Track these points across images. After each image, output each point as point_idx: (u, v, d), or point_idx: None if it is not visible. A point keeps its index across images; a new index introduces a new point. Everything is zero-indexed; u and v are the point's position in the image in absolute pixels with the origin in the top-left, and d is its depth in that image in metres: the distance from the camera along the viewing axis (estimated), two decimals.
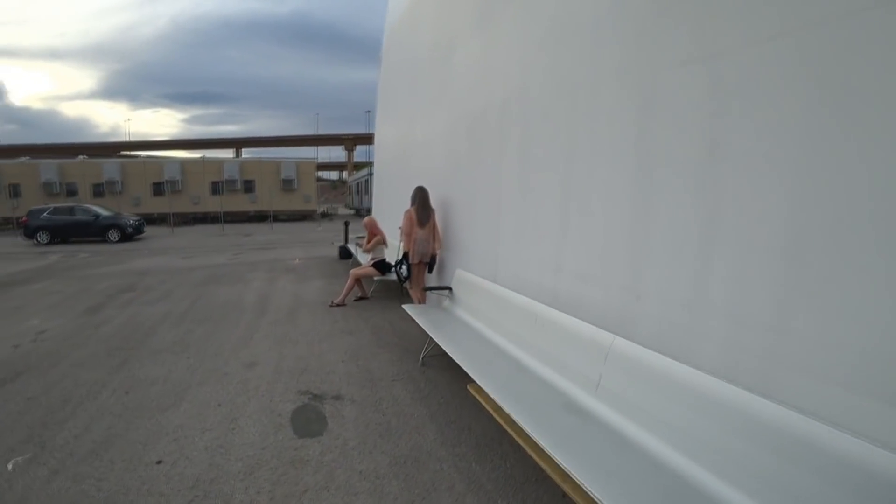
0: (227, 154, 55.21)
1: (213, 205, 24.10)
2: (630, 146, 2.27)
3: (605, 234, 2.43)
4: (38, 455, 2.82)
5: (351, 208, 36.12)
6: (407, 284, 5.50)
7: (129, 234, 16.60)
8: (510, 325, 3.12)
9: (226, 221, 24.62)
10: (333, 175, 75.15)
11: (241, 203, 25.92)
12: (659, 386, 1.90)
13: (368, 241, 6.18)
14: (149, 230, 20.47)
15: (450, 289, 4.40)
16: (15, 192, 23.37)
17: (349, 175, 48.40)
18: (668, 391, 1.86)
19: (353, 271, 6.06)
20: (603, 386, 2.12)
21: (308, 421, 3.02)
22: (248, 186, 26.22)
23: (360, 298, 6.28)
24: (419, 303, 5.34)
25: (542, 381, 2.47)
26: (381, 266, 6.05)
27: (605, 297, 2.38)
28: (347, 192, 43.22)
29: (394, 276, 5.86)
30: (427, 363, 3.89)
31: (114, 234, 16.27)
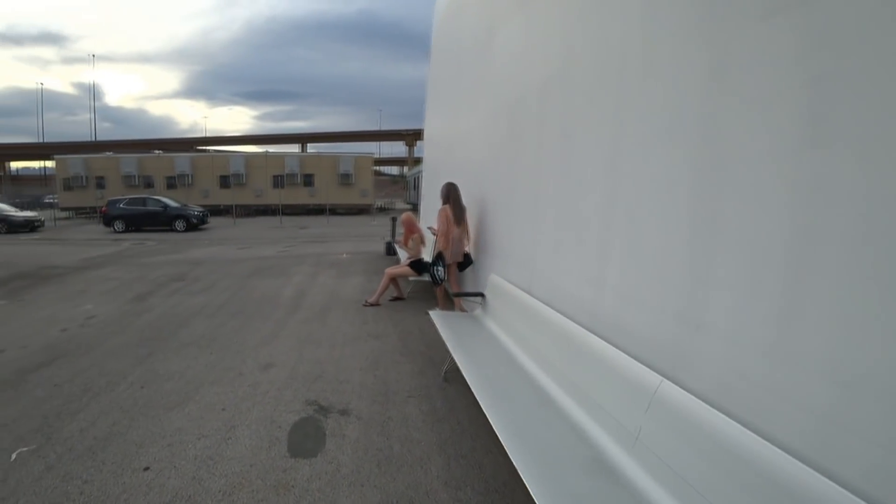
0: (294, 149, 57.80)
1: (275, 198, 25.20)
2: (694, 132, 1.78)
3: (658, 244, 1.95)
4: (41, 447, 2.81)
5: (408, 203, 36.50)
6: (440, 287, 5.19)
7: (194, 224, 17.68)
8: (541, 346, 2.70)
9: (285, 214, 25.69)
10: (394, 170, 76.62)
11: (300, 196, 26.93)
12: (719, 458, 1.42)
13: (405, 239, 5.94)
14: (213, 221, 21.77)
15: (482, 295, 4.02)
16: (100, 183, 25.80)
17: (408, 170, 49.02)
18: (732, 469, 1.37)
19: (389, 270, 5.84)
20: (642, 441, 1.67)
21: (305, 437, 2.78)
22: (308, 180, 27.19)
23: (396, 299, 6.05)
24: (453, 308, 5.01)
25: (567, 422, 2.04)
26: (418, 266, 5.77)
27: (654, 325, 1.91)
28: (405, 187, 43.76)
29: (429, 277, 5.57)
30: (449, 378, 3.54)
31: (180, 224, 17.40)
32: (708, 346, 1.69)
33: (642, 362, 1.86)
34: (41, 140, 61.52)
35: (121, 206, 17.57)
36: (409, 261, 5.86)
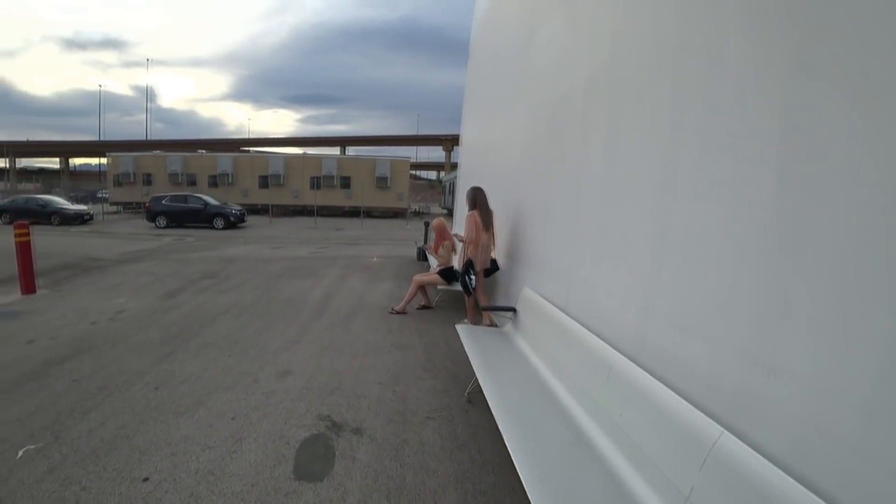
0: (334, 152, 59.06)
1: (312, 198, 25.66)
2: (774, 133, 1.49)
3: (721, 265, 1.66)
4: (48, 446, 2.77)
5: (444, 207, 36.51)
6: (470, 297, 4.97)
7: (233, 223, 18.17)
8: (576, 373, 2.42)
9: (321, 215, 26.12)
10: (432, 175, 77.09)
11: (336, 198, 27.34)
12: None
13: (436, 246, 5.74)
14: (252, 219, 22.35)
15: (514, 310, 3.76)
16: (147, 180, 27.07)
17: (445, 175, 49.13)
18: None
19: (417, 278, 5.66)
20: None
21: (314, 458, 2.60)
22: (345, 182, 27.57)
23: (424, 307, 5.86)
24: (482, 319, 4.77)
25: (604, 469, 1.76)
26: (447, 274, 5.56)
27: (715, 363, 1.61)
28: (441, 192, 43.84)
29: (459, 287, 5.35)
30: (473, 400, 3.30)
31: (219, 222, 17.91)
32: (782, 395, 1.38)
33: (698, 407, 1.56)
34: (99, 138, 65.46)
35: (164, 202, 18.29)
36: (438, 268, 5.66)
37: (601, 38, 2.78)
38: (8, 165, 61.76)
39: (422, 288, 5.71)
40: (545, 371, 2.77)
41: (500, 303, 4.97)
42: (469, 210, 4.90)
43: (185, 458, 2.63)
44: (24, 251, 7.17)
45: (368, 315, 5.61)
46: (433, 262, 6.01)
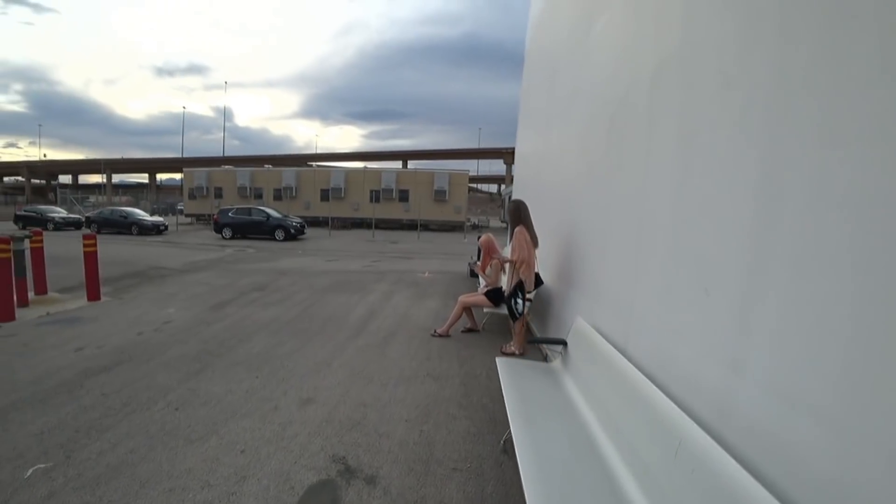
0: (396, 166, 60.44)
1: (371, 211, 26.15)
2: None
3: (859, 314, 1.15)
4: (56, 467, 2.71)
5: (503, 221, 35.96)
6: (519, 323, 4.52)
7: (293, 234, 18.78)
8: (635, 437, 1.92)
9: (380, 228, 26.53)
10: (493, 188, 76.88)
11: (395, 211, 27.69)
12: None
13: (483, 264, 5.34)
14: (312, 232, 23.07)
15: (564, 343, 3.28)
16: (218, 193, 28.87)
17: (505, 188, 48.63)
18: None
19: (463, 298, 5.28)
20: None
21: None
22: (403, 196, 27.89)
23: (469, 330, 5.46)
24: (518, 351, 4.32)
25: None
26: (494, 296, 5.14)
27: (846, 462, 1.10)
28: (501, 205, 43.34)
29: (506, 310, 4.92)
30: (509, 450, 2.84)
31: (280, 234, 18.58)
32: None
33: None
34: (181, 155, 71.39)
35: (230, 214, 19.27)
36: (485, 289, 5.25)
37: (671, 23, 2.30)
38: (104, 180, 69.02)
39: (468, 309, 5.33)
40: (596, 427, 2.27)
41: (551, 329, 4.48)
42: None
43: (181, 495, 2.40)
44: (91, 261, 7.58)
45: (408, 337, 5.29)
46: (482, 281, 5.62)
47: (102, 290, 7.97)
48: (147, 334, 5.44)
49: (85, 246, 7.68)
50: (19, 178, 76.48)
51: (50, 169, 76.58)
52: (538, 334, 4.89)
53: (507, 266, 5.04)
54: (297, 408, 3.46)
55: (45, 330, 5.57)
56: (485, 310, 5.22)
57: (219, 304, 7.08)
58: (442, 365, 4.36)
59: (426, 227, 26.97)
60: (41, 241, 7.88)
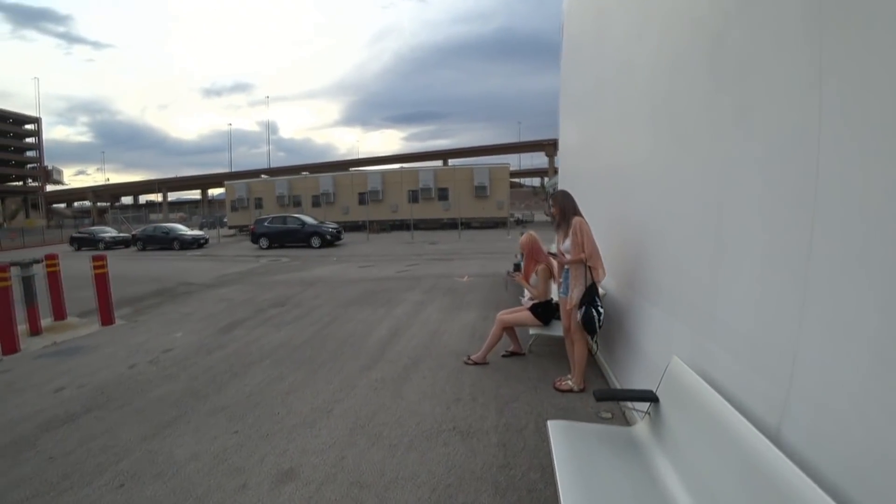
0: (438, 164, 59.65)
1: (410, 212, 25.32)
2: None
3: None
4: None
5: (548, 215, 34.34)
6: (578, 348, 3.37)
7: (329, 241, 18.23)
8: None
9: (420, 228, 25.66)
10: (536, 181, 74.70)
11: (434, 210, 26.75)
12: None
13: (527, 271, 4.18)
14: (349, 237, 22.49)
15: (654, 397, 2.10)
16: (259, 204, 28.99)
17: (549, 180, 46.76)
18: None
19: (502, 317, 4.14)
20: None
21: None
22: (443, 194, 26.90)
23: (512, 354, 4.32)
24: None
25: None
26: (543, 311, 3.98)
27: None
28: (545, 198, 41.60)
29: (559, 331, 3.76)
30: None
31: (315, 241, 18.07)
32: None
33: None
34: (230, 170, 73.87)
35: (265, 224, 18.95)
36: (531, 302, 4.10)
37: None
38: (161, 199, 72.68)
39: (510, 328, 4.20)
40: None
41: (620, 362, 3.29)
42: (565, 219, 3.36)
43: None
44: (101, 284, 7.02)
45: (436, 366, 4.23)
46: (527, 293, 4.44)
47: (120, 312, 7.52)
48: (140, 367, 4.74)
49: (94, 268, 7.13)
50: (86, 201, 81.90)
51: (112, 191, 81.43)
52: (606, 365, 3.68)
53: (556, 271, 3.88)
54: (269, 487, 2.49)
55: (40, 364, 5.06)
56: (531, 331, 4.05)
57: (230, 324, 6.33)
58: (475, 411, 3.25)
59: (468, 225, 25.83)
60: (56, 264, 7.43)
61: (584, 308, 3.18)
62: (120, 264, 15.97)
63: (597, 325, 3.14)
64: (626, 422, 2.74)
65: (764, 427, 1.50)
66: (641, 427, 2.15)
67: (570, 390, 3.38)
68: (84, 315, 7.38)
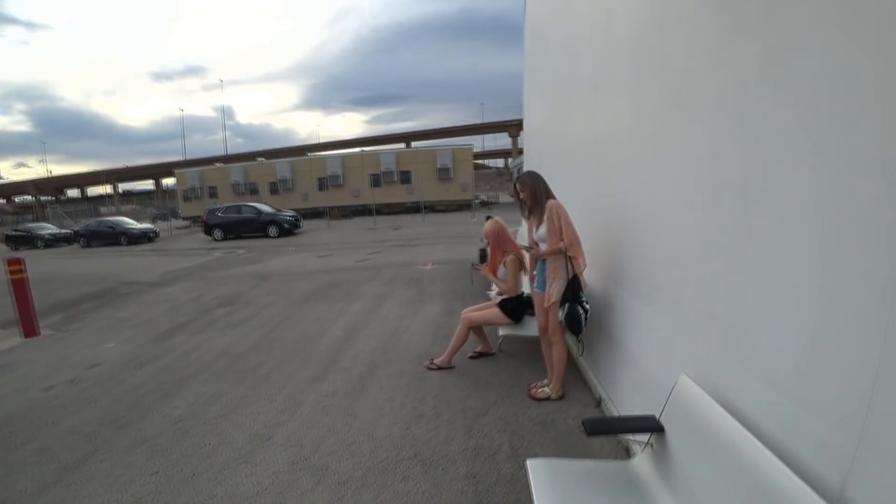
0: (401, 147, 58.32)
1: (372, 197, 24.46)
2: None
3: None
4: None
5: (515, 198, 34.07)
6: (557, 352, 2.94)
7: (287, 230, 17.31)
8: None
9: (382, 213, 24.86)
10: (499, 163, 74.45)
11: (397, 194, 25.97)
12: None
13: (493, 263, 3.71)
14: (309, 224, 21.52)
15: (658, 425, 1.67)
16: (212, 193, 27.42)
17: (512, 161, 46.55)
18: None
19: (467, 315, 3.67)
20: None
21: None
22: (405, 177, 26.11)
23: (480, 355, 3.88)
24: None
25: None
26: (514, 308, 3.53)
27: None
28: (510, 179, 41.39)
29: (534, 331, 3.32)
30: None
31: (273, 230, 17.13)
32: None
33: None
34: (184, 158, 70.04)
35: (219, 214, 17.79)
36: (499, 298, 3.65)
37: None
38: (110, 191, 68.43)
39: (477, 327, 3.73)
40: None
41: (604, 369, 2.88)
42: (536, 203, 2.90)
43: None
44: (20, 290, 6.14)
45: (394, 372, 3.73)
46: (495, 287, 3.96)
47: (49, 320, 6.70)
48: (57, 389, 4.08)
49: (10, 272, 6.23)
50: (28, 196, 76.26)
51: (56, 184, 76.05)
52: (588, 369, 3.26)
53: (528, 262, 3.43)
54: None
55: None
56: (500, 331, 3.60)
57: (170, 330, 5.64)
58: (439, 431, 2.78)
59: (432, 208, 25.21)
60: None
61: (566, 305, 2.74)
62: (58, 264, 14.67)
63: (582, 323, 2.71)
64: (622, 451, 2.32)
65: (820, 483, 1.09)
66: (642, 461, 1.73)
67: (548, 398, 2.96)
68: (6, 326, 6.50)
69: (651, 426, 1.64)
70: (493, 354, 3.87)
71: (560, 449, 2.42)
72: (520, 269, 3.54)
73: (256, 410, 3.28)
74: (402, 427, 2.83)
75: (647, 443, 1.70)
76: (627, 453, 2.09)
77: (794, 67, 1.24)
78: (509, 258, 3.52)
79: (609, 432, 1.94)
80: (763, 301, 1.39)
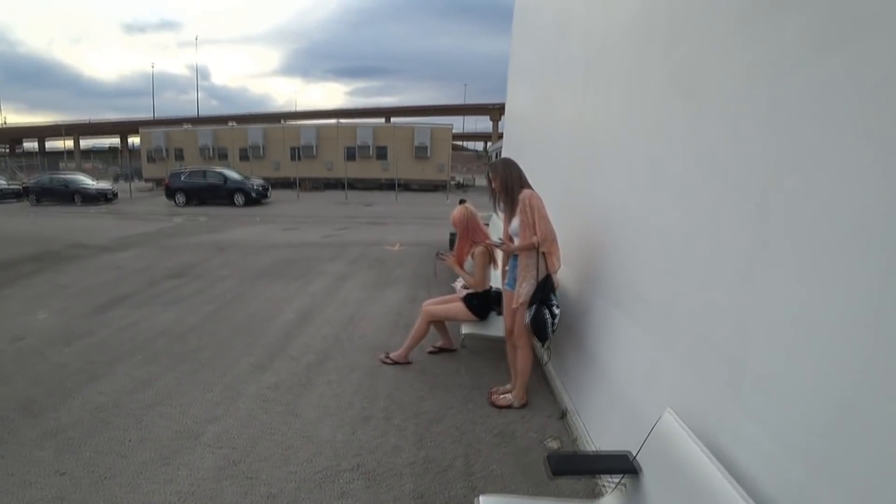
0: (380, 122, 56.92)
1: (346, 171, 23.70)
2: None
3: None
4: None
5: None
6: (522, 356, 2.68)
7: (254, 199, 16.56)
8: None
9: (356, 188, 24.17)
10: (479, 146, 73.72)
11: (372, 170, 25.26)
12: None
13: (459, 253, 3.38)
14: (278, 195, 20.71)
15: (632, 469, 1.43)
16: (179, 155, 26.03)
17: (492, 145, 46.05)
18: None
19: (428, 308, 3.37)
20: None
21: None
22: (381, 153, 25.39)
23: (440, 350, 3.60)
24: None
25: None
26: (480, 304, 3.25)
27: None
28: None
29: (500, 331, 3.06)
30: None
31: (239, 198, 16.36)
32: None
33: None
34: (153, 117, 66.46)
35: (182, 178, 16.82)
36: (465, 292, 3.37)
37: None
38: (71, 146, 64.46)
39: (438, 321, 3.44)
40: None
41: (571, 378, 2.64)
42: (509, 192, 2.60)
43: None
44: None
45: (346, 365, 3.42)
46: (461, 280, 3.64)
47: None
48: None
49: None
50: None
51: (11, 135, 71.17)
52: (556, 377, 3.01)
53: (499, 257, 3.15)
54: None
55: None
56: (462, 328, 3.32)
57: (110, 301, 5.15)
58: (387, 437, 2.50)
59: (406, 187, 24.64)
60: None
61: (534, 307, 2.47)
62: (1, 221, 13.63)
63: (549, 330, 2.45)
64: (589, 486, 2.09)
65: None
66: (608, 500, 1.49)
67: (510, 406, 2.72)
68: None
69: (626, 467, 1.40)
70: (454, 350, 3.60)
71: (519, 467, 2.19)
72: (489, 262, 3.25)
73: (189, 401, 2.93)
74: (347, 431, 2.54)
75: (620, 483, 1.46)
76: (594, 492, 1.86)
77: (855, 50, 0.97)
78: (478, 249, 3.22)
79: (577, 473, 1.69)
80: (777, 332, 1.14)
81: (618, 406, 1.96)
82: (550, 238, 2.50)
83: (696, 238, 1.50)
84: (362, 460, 2.28)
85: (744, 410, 1.21)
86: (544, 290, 2.47)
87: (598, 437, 2.10)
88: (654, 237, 1.79)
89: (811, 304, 1.04)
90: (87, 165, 45.75)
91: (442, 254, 3.46)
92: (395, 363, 3.35)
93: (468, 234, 3.26)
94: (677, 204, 1.62)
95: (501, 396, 2.78)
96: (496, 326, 3.16)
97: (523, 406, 2.73)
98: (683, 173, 1.60)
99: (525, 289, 2.53)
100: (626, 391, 1.92)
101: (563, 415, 2.60)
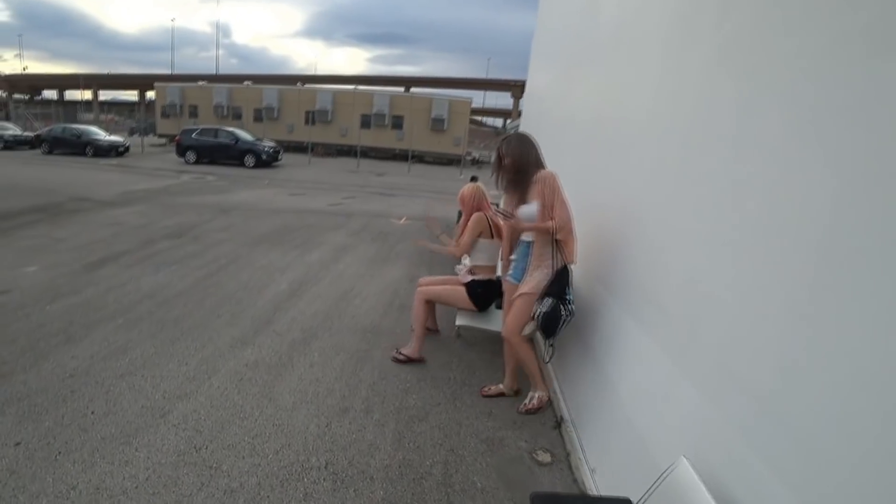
0: (398, 91, 55.93)
1: (362, 138, 23.26)
2: None
3: None
4: None
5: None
6: (524, 349, 2.45)
7: (265, 161, 16.32)
8: None
9: (369, 157, 23.77)
10: (498, 122, 72.30)
11: (387, 139, 24.78)
12: None
13: (461, 233, 3.12)
14: (290, 158, 20.41)
15: None
16: (193, 112, 25.70)
17: (511, 122, 45.03)
18: None
19: (424, 287, 3.11)
20: None
21: None
22: (397, 123, 24.83)
23: (408, 359, 3.08)
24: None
25: None
26: (484, 292, 3.00)
27: None
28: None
29: (498, 326, 2.82)
30: None
31: (249, 160, 16.11)
32: None
33: None
34: (171, 72, 65.82)
35: (193, 136, 16.56)
36: (469, 278, 3.05)
37: None
38: (90, 97, 64.28)
39: (428, 302, 3.19)
40: None
41: (571, 382, 2.42)
42: (522, 173, 2.32)
43: None
44: None
45: (332, 346, 3.23)
46: (464, 262, 3.32)
47: None
48: None
49: None
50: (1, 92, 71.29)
51: (31, 83, 71.09)
52: (554, 378, 2.78)
53: (503, 233, 2.88)
54: None
55: None
56: (457, 319, 3.07)
57: (103, 259, 5.01)
58: (364, 434, 2.29)
59: (420, 158, 24.18)
60: None
61: (549, 301, 2.20)
62: (10, 169, 13.56)
63: (559, 327, 2.21)
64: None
65: None
66: None
67: (501, 394, 2.50)
68: None
69: None
70: (437, 332, 3.38)
71: (503, 481, 1.98)
72: (480, 233, 2.95)
73: (162, 374, 2.76)
74: (321, 422, 2.35)
75: None
76: None
77: None
78: (477, 214, 2.92)
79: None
80: (833, 384, 0.88)
81: (619, 429, 1.73)
82: (568, 226, 2.24)
83: (740, 250, 1.21)
84: (333, 457, 2.09)
85: (774, 470, 0.97)
86: (560, 283, 2.21)
87: (594, 457, 1.88)
88: (685, 241, 1.51)
89: (880, 353, 0.79)
90: (106, 118, 45.61)
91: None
92: (410, 360, 3.03)
93: (474, 212, 2.98)
94: (718, 205, 1.33)
95: (493, 390, 2.57)
96: (495, 321, 2.93)
97: (517, 393, 2.51)
98: (729, 168, 1.31)
99: (537, 277, 2.27)
100: (632, 415, 1.68)
101: (558, 424, 2.38)
